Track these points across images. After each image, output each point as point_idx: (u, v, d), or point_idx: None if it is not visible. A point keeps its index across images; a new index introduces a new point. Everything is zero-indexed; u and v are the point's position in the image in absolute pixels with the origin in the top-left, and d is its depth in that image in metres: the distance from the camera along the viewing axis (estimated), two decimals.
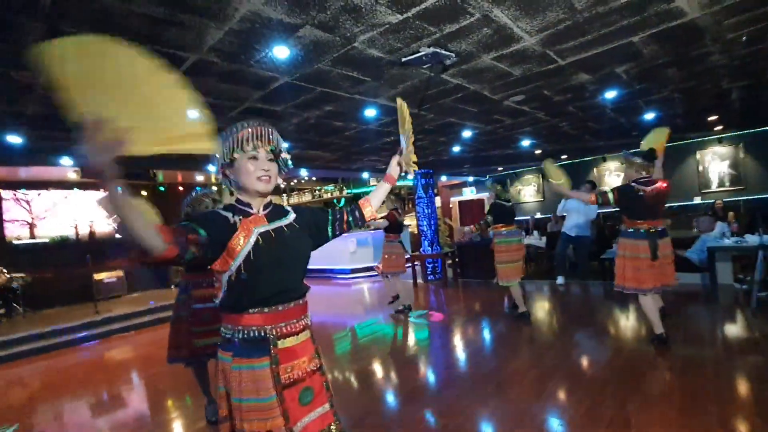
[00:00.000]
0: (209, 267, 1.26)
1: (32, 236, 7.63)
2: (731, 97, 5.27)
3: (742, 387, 2.75)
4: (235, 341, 1.26)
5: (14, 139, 4.09)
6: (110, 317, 6.24)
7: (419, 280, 8.47)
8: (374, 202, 1.63)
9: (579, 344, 3.96)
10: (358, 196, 14.15)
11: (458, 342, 4.41)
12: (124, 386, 4.01)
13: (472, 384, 3.20)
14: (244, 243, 1.24)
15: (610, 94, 4.65)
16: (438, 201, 12.74)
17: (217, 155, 1.31)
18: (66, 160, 5.09)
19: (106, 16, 2.16)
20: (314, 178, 11.95)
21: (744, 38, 3.25)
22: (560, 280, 7.02)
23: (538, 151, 8.79)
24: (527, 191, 12.36)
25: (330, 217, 1.53)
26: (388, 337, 4.87)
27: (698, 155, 9.26)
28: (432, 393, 3.16)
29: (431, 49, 2.95)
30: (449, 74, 3.57)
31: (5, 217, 7.32)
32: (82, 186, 8.18)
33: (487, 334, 4.55)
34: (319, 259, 10.48)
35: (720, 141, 8.91)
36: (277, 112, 4.18)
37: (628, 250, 3.56)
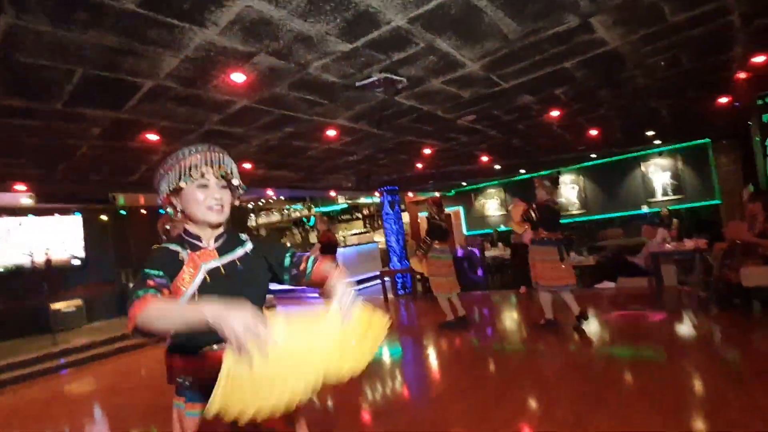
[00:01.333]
0: None
1: None
2: (661, 114, 5.79)
3: (691, 383, 3.00)
4: (187, 385, 1.15)
5: None
6: (69, 348, 5.97)
7: (389, 295, 8.58)
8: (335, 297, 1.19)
9: (537, 349, 4.17)
10: (327, 215, 14.19)
11: (429, 354, 4.53)
12: (86, 420, 3.87)
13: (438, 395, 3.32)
14: (189, 281, 1.13)
15: (554, 113, 5.01)
16: (406, 216, 12.98)
17: (162, 183, 1.21)
18: (20, 187, 4.93)
19: (62, 47, 2.22)
20: (282, 198, 11.92)
21: (662, 63, 3.65)
22: (523, 289, 7.31)
23: (497, 166, 9.21)
24: (491, 205, 12.82)
25: (289, 257, 1.33)
26: None
27: (642, 167, 9.96)
28: (404, 405, 3.25)
29: (382, 75, 3.15)
30: (403, 96, 3.78)
31: None
32: (37, 212, 7.85)
33: (457, 345, 4.70)
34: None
35: (660, 154, 9.64)
36: (237, 134, 4.26)
37: (544, 255, 4.41)
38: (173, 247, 1.17)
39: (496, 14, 2.49)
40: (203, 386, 1.08)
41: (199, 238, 1.23)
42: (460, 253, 8.78)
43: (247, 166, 5.71)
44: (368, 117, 4.17)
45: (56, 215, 8.02)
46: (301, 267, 1.31)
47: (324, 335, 1.01)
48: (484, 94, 3.98)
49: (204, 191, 1.18)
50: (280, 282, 1.33)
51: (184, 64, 2.64)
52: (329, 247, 5.33)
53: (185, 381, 1.16)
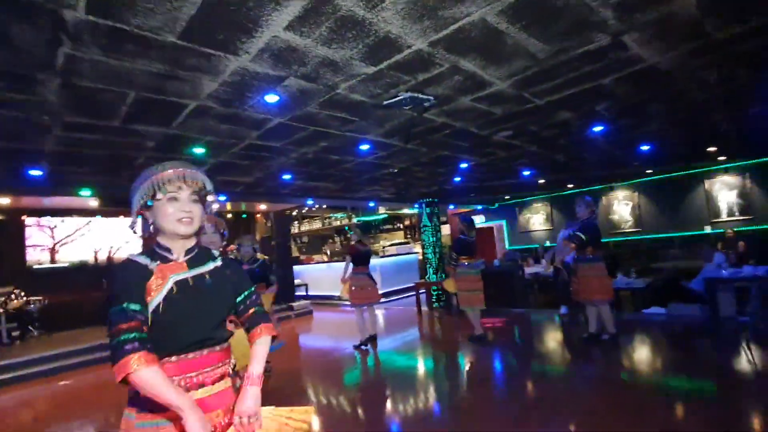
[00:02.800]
0: None
1: (53, 261, 8.06)
2: (724, 129, 5.35)
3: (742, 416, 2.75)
4: (139, 395, 1.13)
5: (35, 172, 4.50)
6: None
7: (423, 308, 8.52)
8: (255, 364, 1.36)
9: (574, 372, 3.98)
10: (368, 224, 14.38)
11: (464, 367, 4.47)
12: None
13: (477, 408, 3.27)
14: (157, 291, 1.18)
15: (598, 129, 4.79)
16: (447, 229, 12.85)
17: (134, 196, 1.24)
18: (85, 192, 5.50)
19: (114, 73, 2.49)
20: (324, 207, 12.26)
21: (713, 77, 3.40)
22: (564, 309, 6.98)
23: (541, 180, 8.91)
24: (536, 219, 12.37)
25: (245, 295, 1.40)
26: (386, 365, 4.95)
27: (706, 184, 9.19)
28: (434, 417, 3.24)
29: (409, 94, 3.20)
30: (433, 113, 3.80)
31: (27, 242, 7.77)
32: (103, 213, 8.65)
33: (497, 359, 4.60)
34: (326, 285, 10.66)
35: (726, 171, 8.86)
36: (276, 148, 4.49)
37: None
38: (142, 259, 1.22)
39: (520, 35, 2.46)
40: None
41: (169, 251, 1.27)
42: (497, 266, 8.57)
43: (288, 176, 5.97)
44: (399, 133, 4.23)
45: (121, 217, 8.80)
46: (246, 315, 1.40)
47: None
48: (518, 111, 3.91)
49: (174, 204, 1.23)
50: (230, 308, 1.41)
51: (222, 87, 2.85)
52: (360, 256, 5.44)
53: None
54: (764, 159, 8.31)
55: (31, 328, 7.07)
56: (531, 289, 9.85)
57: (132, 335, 1.08)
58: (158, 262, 1.24)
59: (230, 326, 2.27)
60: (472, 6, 2.13)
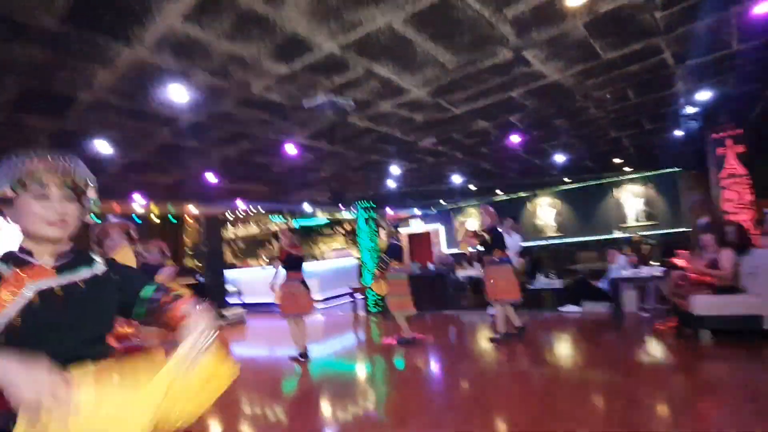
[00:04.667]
0: None
1: None
2: (623, 144, 5.92)
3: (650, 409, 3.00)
4: None
5: None
6: None
7: (360, 312, 8.51)
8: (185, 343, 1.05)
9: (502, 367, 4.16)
10: (305, 229, 14.15)
11: (396, 369, 4.48)
12: None
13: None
14: (10, 302, 0.97)
15: (515, 139, 5.09)
16: (383, 234, 12.97)
17: None
18: None
19: None
20: (262, 211, 11.88)
21: (608, 96, 3.75)
22: (491, 310, 7.30)
23: (472, 187, 9.30)
24: (470, 224, 12.88)
25: (152, 289, 1.20)
26: (330, 372, 4.86)
27: (615, 193, 10.13)
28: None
29: (328, 98, 3.19)
30: (356, 118, 3.82)
31: None
32: None
33: (438, 361, 4.66)
34: (261, 291, 10.30)
35: (632, 180, 9.82)
36: (194, 148, 4.27)
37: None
38: None
39: (428, 45, 2.55)
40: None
41: (30, 254, 1.05)
42: (431, 269, 8.79)
43: (212, 177, 5.70)
44: (325, 136, 4.21)
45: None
46: (162, 300, 1.18)
47: (152, 387, 0.95)
48: (438, 119, 4.04)
49: (43, 203, 1.01)
50: (130, 316, 1.18)
51: (120, 79, 2.65)
52: (292, 262, 5.23)
53: None
54: (665, 170, 9.32)
55: None
56: (464, 291, 10.25)
57: None
58: (12, 267, 1.01)
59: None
60: (376, 11, 2.16)
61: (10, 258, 1.04)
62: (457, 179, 7.79)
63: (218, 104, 3.20)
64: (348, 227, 14.44)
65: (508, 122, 4.36)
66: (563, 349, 4.83)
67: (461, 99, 3.55)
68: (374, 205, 9.76)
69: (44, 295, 1.01)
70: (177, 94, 2.91)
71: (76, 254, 1.14)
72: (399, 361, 4.78)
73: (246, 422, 3.41)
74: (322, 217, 13.57)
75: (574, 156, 6.56)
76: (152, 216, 9.66)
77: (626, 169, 8.81)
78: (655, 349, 4.34)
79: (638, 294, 6.20)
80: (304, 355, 5.15)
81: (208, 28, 2.18)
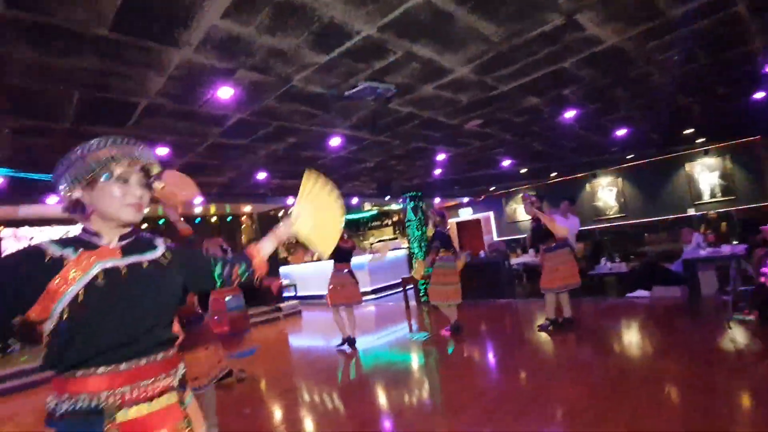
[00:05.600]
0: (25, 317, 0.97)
1: None
2: (694, 112, 5.34)
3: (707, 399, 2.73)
4: (57, 415, 0.96)
5: None
6: None
7: (412, 302, 8.48)
8: (264, 252, 1.40)
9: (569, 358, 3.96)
10: (353, 222, 14.32)
11: (451, 360, 4.43)
12: None
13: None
14: (73, 281, 0.96)
15: (569, 114, 4.76)
16: (430, 223, 12.80)
17: (67, 175, 1.03)
18: (52, 199, 5.37)
19: (49, 71, 2.39)
20: None
21: (675, 58, 3.37)
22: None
23: (523, 170, 8.90)
24: (522, 210, 12.37)
25: (214, 262, 1.30)
26: (387, 362, 4.90)
27: (687, 168, 9.23)
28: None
29: (368, 84, 3.13)
30: (398, 103, 3.74)
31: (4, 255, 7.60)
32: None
33: (490, 354, 4.56)
34: (314, 285, 10.58)
35: (706, 153, 8.90)
36: (243, 146, 4.40)
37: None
38: (52, 249, 0.99)
39: (470, 18, 2.40)
40: (80, 416, 0.96)
41: (98, 235, 1.07)
42: (483, 258, 8.54)
43: (263, 175, 5.88)
44: (367, 125, 4.17)
45: None
46: (235, 269, 1.32)
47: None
48: (484, 98, 3.86)
49: (122, 187, 1.05)
50: (212, 285, 1.30)
51: (170, 82, 2.76)
52: (338, 255, 5.31)
53: (57, 409, 0.97)
54: (743, 139, 8.35)
55: (11, 342, 6.92)
56: (519, 279, 9.88)
57: None
58: (81, 249, 1.01)
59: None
60: None
61: (74, 241, 1.05)
62: (506, 162, 7.47)
63: (261, 100, 3.26)
64: (396, 218, 14.42)
65: (561, 96, 4.06)
66: (631, 337, 4.49)
67: (508, 75, 3.35)
68: (421, 195, 9.64)
69: (109, 273, 1.02)
70: (223, 92, 2.99)
71: (138, 236, 1.17)
72: (451, 351, 4.69)
73: (303, 410, 3.49)
74: (370, 209, 13.65)
75: (637, 129, 6.04)
76: (211, 216, 10.21)
77: (698, 140, 7.98)
78: (738, 336, 3.90)
79: (717, 275, 5.62)
80: (350, 343, 5.26)
81: (247, 23, 2.19)
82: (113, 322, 0.99)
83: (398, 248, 11.93)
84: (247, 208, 9.63)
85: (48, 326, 0.97)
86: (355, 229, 14.53)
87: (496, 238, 12.83)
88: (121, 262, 1.06)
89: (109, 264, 1.03)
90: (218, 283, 1.29)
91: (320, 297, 10.66)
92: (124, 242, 1.10)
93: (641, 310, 5.56)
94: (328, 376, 4.47)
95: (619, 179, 10.37)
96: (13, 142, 3.40)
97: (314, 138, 4.44)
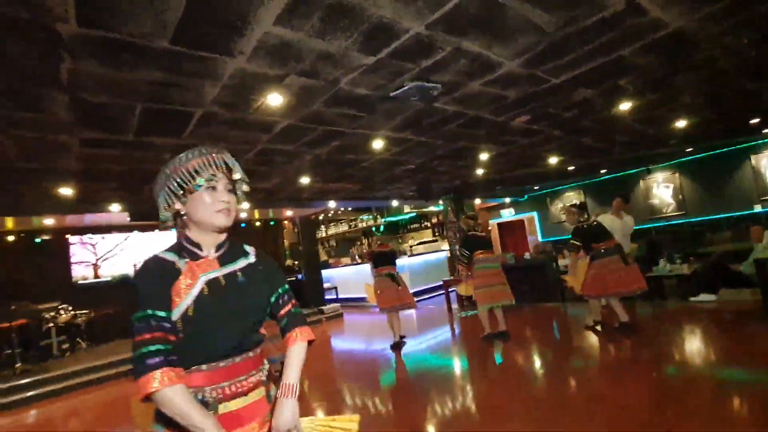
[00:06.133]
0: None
1: (96, 276, 8.46)
2: (763, 99, 4.90)
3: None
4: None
5: (65, 191, 4.72)
6: None
7: (454, 305, 8.33)
8: (290, 372, 1.23)
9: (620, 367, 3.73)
10: (392, 224, 14.30)
11: (498, 365, 4.30)
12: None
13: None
14: (186, 292, 1.07)
15: (625, 106, 4.50)
16: (464, 225, 12.56)
17: (166, 187, 1.13)
18: (114, 207, 5.72)
19: (116, 84, 2.54)
20: (349, 209, 12.28)
21: (745, 41, 3.10)
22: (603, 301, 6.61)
23: (570, 167, 8.53)
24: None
25: (281, 289, 1.30)
26: (429, 366, 4.84)
27: (753, 160, 8.51)
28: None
29: (415, 83, 3.09)
30: (443, 102, 3.68)
31: (72, 260, 8.20)
32: (139, 228, 9.02)
33: (540, 360, 4.41)
34: (354, 288, 10.64)
35: None
36: (289, 151, 4.49)
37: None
38: (170, 257, 1.11)
39: (522, 7, 2.31)
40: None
41: (199, 246, 1.16)
42: (528, 259, 8.24)
43: (306, 180, 5.99)
44: (412, 126, 4.13)
45: (156, 231, 9.14)
46: (279, 313, 1.29)
47: None
48: (534, 93, 3.72)
49: (212, 194, 1.13)
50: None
51: (224, 91, 2.85)
52: (381, 259, 5.38)
53: None
54: None
55: (79, 340, 7.44)
56: (566, 282, 9.45)
57: (155, 347, 0.99)
58: (187, 259, 1.12)
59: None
60: None
61: (183, 249, 1.15)
62: (553, 160, 7.19)
63: (309, 104, 3.30)
64: (435, 220, 14.27)
65: (617, 87, 3.85)
66: (698, 345, 4.15)
67: (560, 66, 3.21)
68: (460, 196, 9.48)
69: (211, 285, 1.10)
70: (273, 98, 3.06)
71: (231, 245, 1.24)
72: (498, 356, 4.54)
73: (348, 412, 3.48)
74: (408, 212, 13.60)
75: (699, 120, 5.62)
76: (255, 221, 10.54)
77: (765, 130, 7.33)
78: None
79: None
80: (397, 346, 5.28)
81: (299, 29, 2.22)
82: (216, 328, 1.08)
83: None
84: (289, 213, 9.85)
85: None
86: (394, 231, 14.52)
87: (540, 239, 12.40)
88: (220, 272, 1.15)
89: (211, 275, 1.12)
90: (268, 310, 1.27)
91: (361, 299, 10.73)
92: (219, 252, 1.19)
93: (708, 314, 5.15)
94: (372, 379, 4.45)
95: (677, 174, 9.72)
96: (81, 153, 3.64)
97: (358, 141, 4.45)
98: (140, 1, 1.83)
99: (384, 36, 2.42)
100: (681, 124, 5.71)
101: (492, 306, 4.94)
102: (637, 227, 7.63)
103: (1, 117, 2.70)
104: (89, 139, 3.32)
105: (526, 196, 12.62)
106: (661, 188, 10.05)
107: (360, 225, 13.23)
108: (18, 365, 5.90)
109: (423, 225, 14.30)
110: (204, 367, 1.07)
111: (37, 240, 7.95)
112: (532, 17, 2.43)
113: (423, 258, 11.38)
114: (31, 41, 2.00)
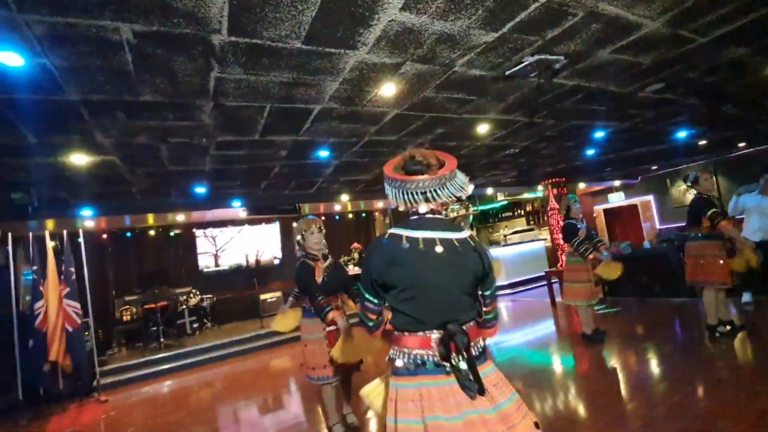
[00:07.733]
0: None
1: (217, 265, 9.51)
2: None
3: None
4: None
5: (200, 190, 5.31)
6: (272, 331, 7.31)
7: (557, 298, 7.79)
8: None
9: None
10: (484, 213, 13.82)
11: (609, 365, 3.94)
12: (283, 390, 4.68)
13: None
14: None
15: None
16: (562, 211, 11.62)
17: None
18: (236, 203, 6.32)
19: (253, 88, 2.74)
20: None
21: None
22: (746, 297, 5.64)
23: (702, 142, 7.41)
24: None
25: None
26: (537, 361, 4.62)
27: None
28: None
29: (535, 57, 2.87)
30: (562, 77, 3.38)
31: (198, 250, 9.31)
32: (249, 222, 9.91)
33: (655, 362, 3.96)
34: None
35: None
36: (392, 141, 4.52)
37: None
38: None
39: None
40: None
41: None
42: (648, 248, 7.36)
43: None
44: (522, 107, 3.88)
45: (263, 224, 9.97)
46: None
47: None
48: (673, 56, 3.24)
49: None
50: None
51: (342, 86, 2.93)
52: None
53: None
54: None
55: (206, 320, 8.46)
56: None
57: (372, 327, 1.45)
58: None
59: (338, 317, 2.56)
60: None
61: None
62: (682, 134, 6.29)
63: (420, 92, 3.25)
64: (529, 208, 13.48)
65: None
66: None
67: (711, 22, 2.73)
68: (564, 180, 8.81)
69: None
70: (386, 88, 3.07)
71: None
72: (606, 354, 4.11)
73: None
74: (501, 200, 13.03)
75: None
76: (348, 214, 10.93)
77: None
78: None
79: None
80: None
81: (423, 12, 2.17)
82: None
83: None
84: (380, 204, 10.02)
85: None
86: (484, 221, 14.04)
87: (658, 225, 11.03)
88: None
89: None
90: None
91: None
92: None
93: None
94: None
95: None
96: (216, 155, 4.05)
97: (462, 127, 4.32)
98: (283, 5, 1.92)
99: (510, 8, 2.26)
100: None
101: (580, 303, 4.49)
102: None
103: (162, 127, 3.08)
104: (223, 141, 3.67)
105: (639, 177, 11.30)
106: None
107: (450, 215, 13.01)
108: (162, 340, 6.88)
109: (516, 213, 13.60)
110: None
111: (171, 234, 9.18)
112: None
113: (518, 248, 10.82)
114: (191, 55, 2.23)
